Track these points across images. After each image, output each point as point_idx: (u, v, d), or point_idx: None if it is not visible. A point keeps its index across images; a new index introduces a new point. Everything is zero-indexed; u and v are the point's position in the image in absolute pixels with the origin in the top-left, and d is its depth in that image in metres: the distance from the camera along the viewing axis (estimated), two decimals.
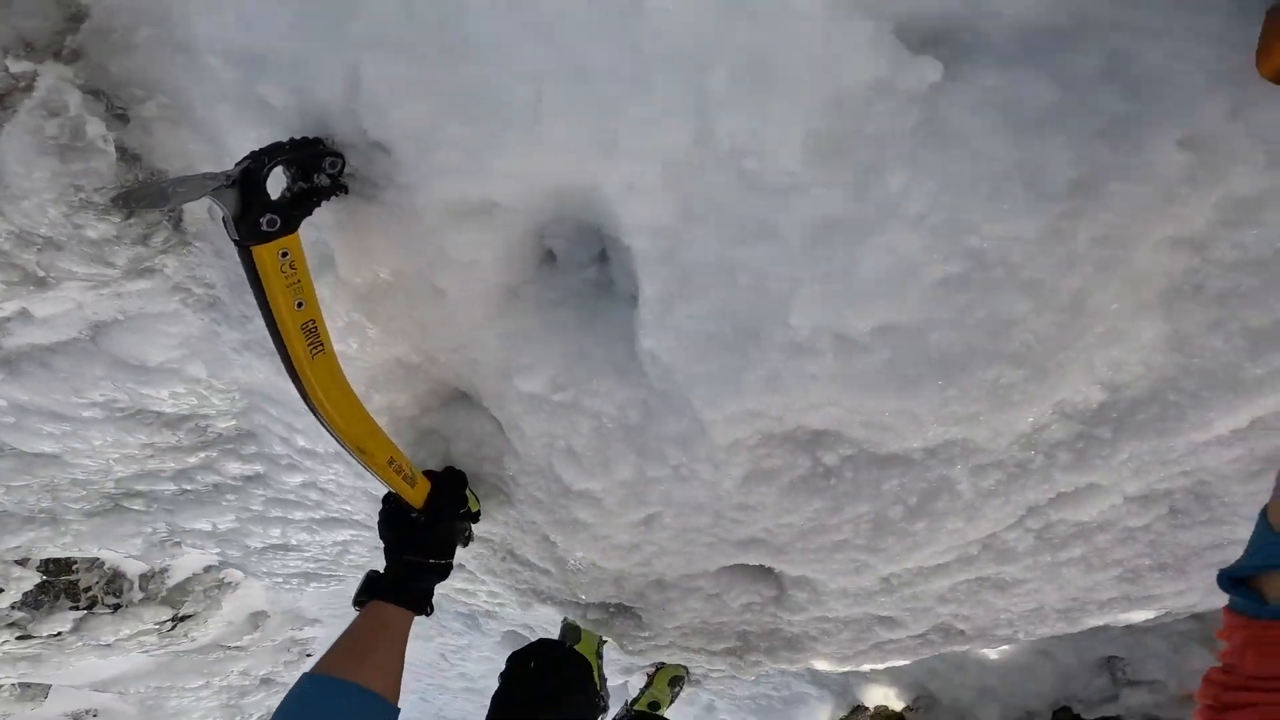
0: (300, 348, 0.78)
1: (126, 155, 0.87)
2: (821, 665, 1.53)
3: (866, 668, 1.55)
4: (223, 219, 0.69)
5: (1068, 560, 0.95)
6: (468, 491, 1.24)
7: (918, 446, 0.81)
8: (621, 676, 2.63)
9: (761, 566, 1.24)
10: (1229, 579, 0.42)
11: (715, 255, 0.67)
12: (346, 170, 0.74)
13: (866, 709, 2.34)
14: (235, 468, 1.79)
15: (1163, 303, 0.64)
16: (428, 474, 1.18)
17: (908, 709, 2.22)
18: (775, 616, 1.37)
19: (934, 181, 0.58)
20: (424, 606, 1.11)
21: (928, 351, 0.67)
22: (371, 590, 1.08)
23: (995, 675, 1.96)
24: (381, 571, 1.11)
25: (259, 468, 1.77)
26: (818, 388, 0.73)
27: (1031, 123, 0.55)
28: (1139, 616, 1.07)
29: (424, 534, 1.12)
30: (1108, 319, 0.64)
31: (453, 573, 1.24)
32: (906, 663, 1.51)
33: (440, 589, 1.22)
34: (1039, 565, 0.97)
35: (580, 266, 0.85)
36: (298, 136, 0.71)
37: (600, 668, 2.13)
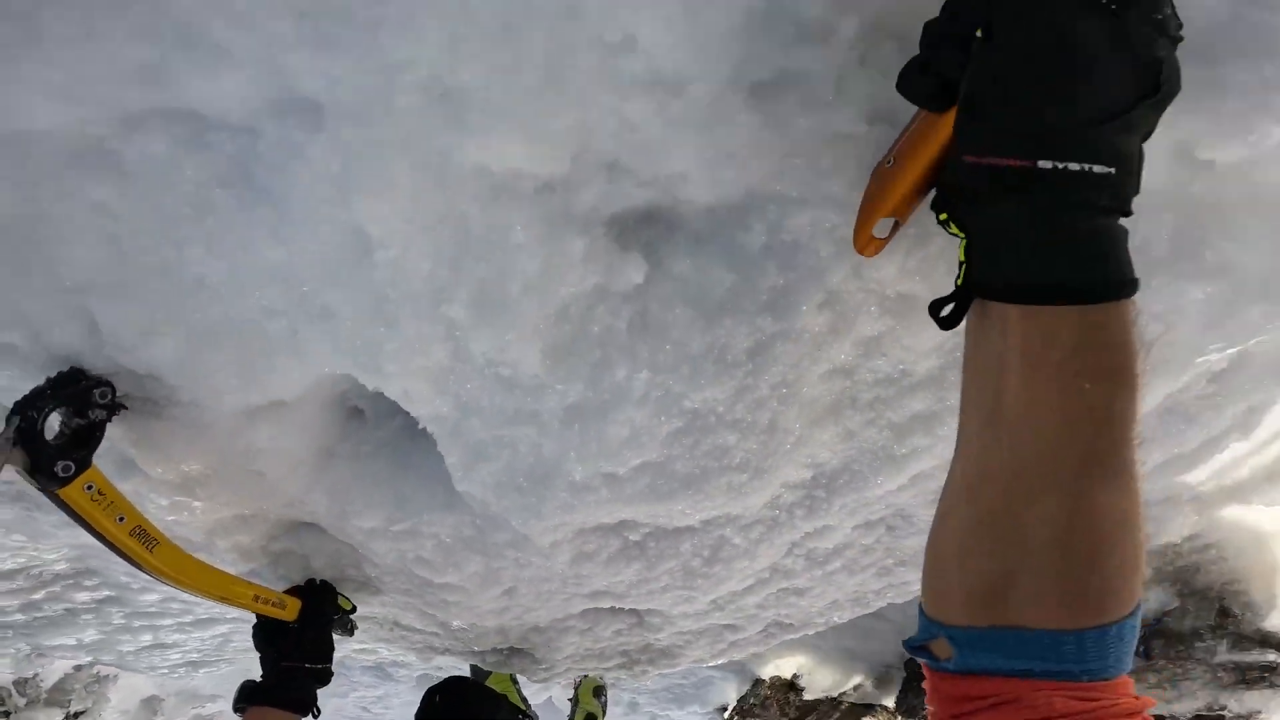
0: (138, 549, 0.84)
1: None
2: (700, 663, 1.80)
3: (739, 657, 1.83)
4: (17, 471, 0.75)
5: (834, 570, 1.23)
6: (339, 599, 1.34)
7: (695, 522, 1.04)
8: (545, 693, 2.83)
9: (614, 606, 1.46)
10: (908, 646, 0.54)
11: (495, 434, 0.79)
12: (120, 394, 0.76)
13: (764, 681, 2.74)
14: (83, 596, 1.73)
15: (831, 413, 0.88)
16: (293, 591, 1.26)
17: (795, 676, 2.63)
18: (643, 636, 1.60)
19: (649, 370, 0.73)
20: (307, 709, 1.19)
21: (675, 476, 0.86)
22: (250, 698, 1.15)
23: (850, 639, 2.38)
24: (258, 680, 1.18)
25: (109, 592, 1.73)
26: (602, 507, 0.90)
27: (715, 308, 0.70)
28: (911, 595, 1.41)
29: (297, 640, 1.19)
30: (796, 432, 0.87)
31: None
32: (766, 649, 1.81)
33: (338, 648, 1.33)
34: (815, 577, 1.25)
35: (388, 418, 0.95)
36: (54, 375, 0.72)
37: (519, 691, 2.31)
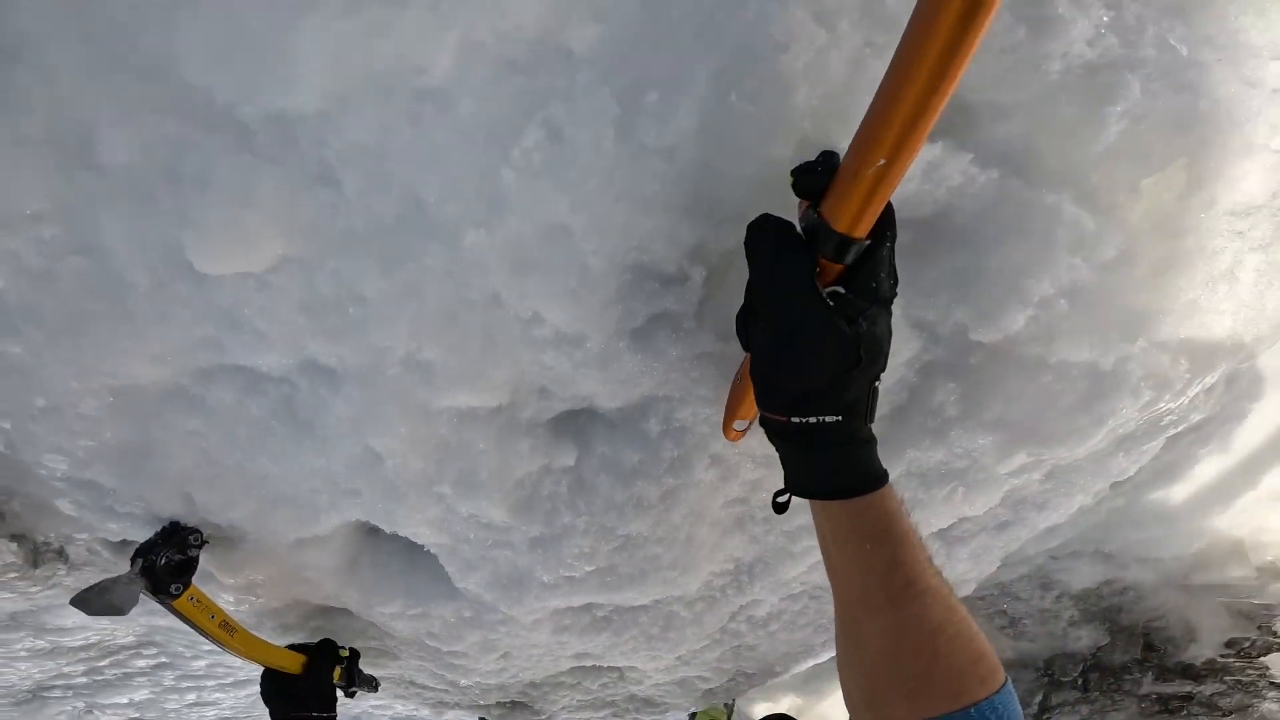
0: (224, 636, 1.16)
1: (16, 538, 1.20)
2: (685, 710, 2.10)
3: (720, 704, 2.12)
4: (144, 593, 1.08)
5: (775, 630, 1.53)
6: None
7: (646, 601, 1.34)
8: None
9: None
10: None
11: (480, 554, 1.09)
12: (206, 535, 1.10)
13: None
14: (142, 662, 2.08)
15: (737, 526, 1.17)
16: (298, 648, 1.46)
17: (786, 717, 2.93)
18: (626, 688, 1.90)
19: (587, 514, 1.02)
20: None
21: (620, 575, 1.16)
22: None
23: (827, 679, 2.66)
24: None
25: (164, 659, 2.07)
26: (568, 597, 1.21)
27: (629, 474, 0.99)
28: None
29: (305, 690, 1.41)
30: (710, 541, 1.17)
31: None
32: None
33: (359, 704, 1.63)
34: (760, 635, 1.54)
35: (396, 535, 1.30)
36: (160, 528, 1.07)
37: None
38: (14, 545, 1.12)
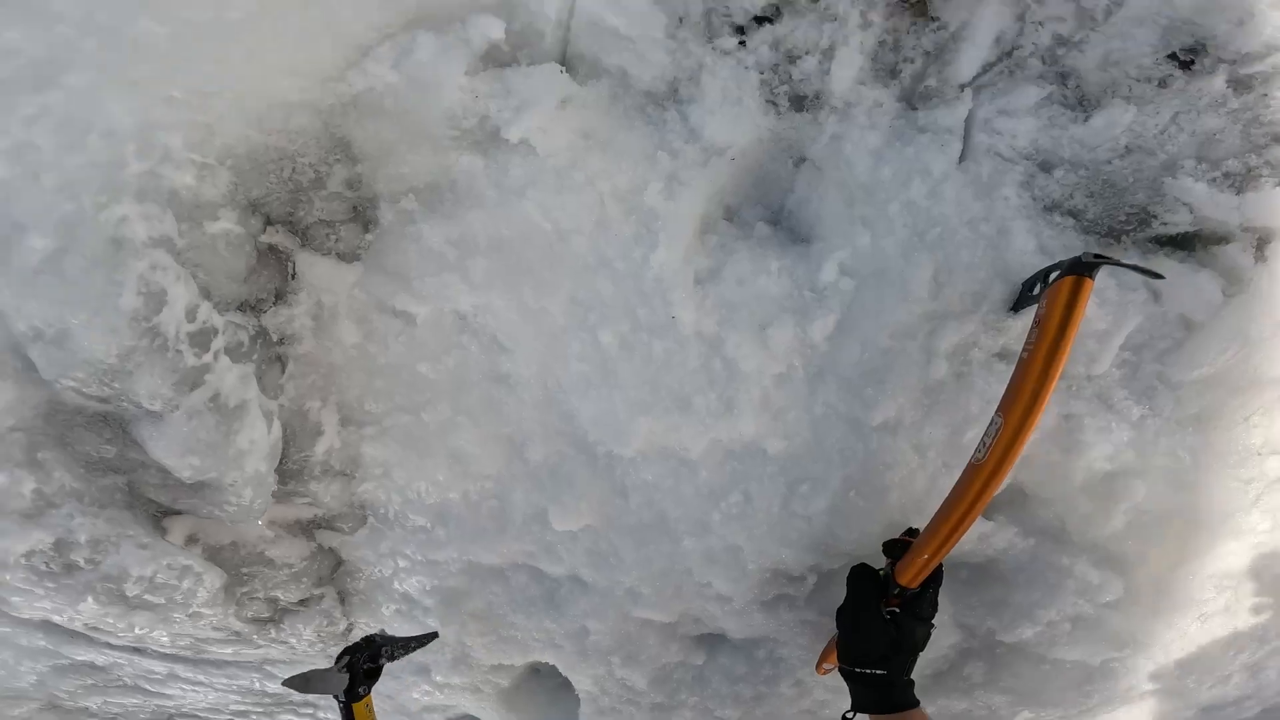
0: None
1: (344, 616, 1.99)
2: None
3: None
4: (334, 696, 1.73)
5: None
6: None
7: None
8: None
9: None
10: None
11: (614, 706, 1.75)
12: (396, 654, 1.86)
13: None
14: (285, 717, 2.78)
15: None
16: None
17: None
18: None
19: (699, 696, 1.66)
20: None
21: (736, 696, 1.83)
22: None
23: None
24: None
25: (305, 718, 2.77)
26: None
27: (737, 679, 1.63)
28: None
29: None
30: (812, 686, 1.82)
31: None
32: None
33: None
34: None
35: (556, 676, 2.00)
36: (361, 639, 1.74)
37: None
38: (344, 622, 1.90)
